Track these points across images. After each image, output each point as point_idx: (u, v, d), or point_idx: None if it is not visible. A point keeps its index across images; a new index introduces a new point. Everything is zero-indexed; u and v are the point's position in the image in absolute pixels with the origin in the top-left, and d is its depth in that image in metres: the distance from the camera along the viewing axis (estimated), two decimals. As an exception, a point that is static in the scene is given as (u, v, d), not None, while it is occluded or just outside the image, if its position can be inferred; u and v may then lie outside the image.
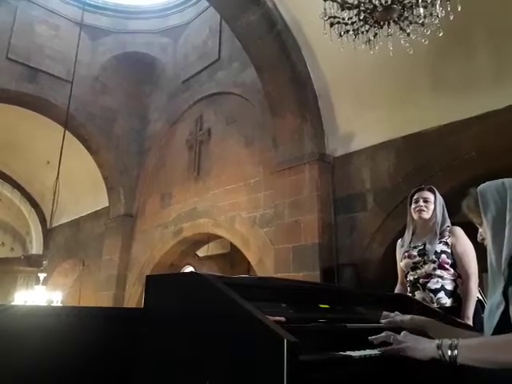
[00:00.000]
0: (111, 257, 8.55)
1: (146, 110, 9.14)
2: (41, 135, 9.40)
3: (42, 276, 7.88)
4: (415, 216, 2.78)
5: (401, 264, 2.84)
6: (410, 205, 2.83)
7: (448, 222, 2.76)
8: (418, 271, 2.68)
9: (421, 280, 2.66)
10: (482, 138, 4.13)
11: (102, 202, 9.31)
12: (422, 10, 3.26)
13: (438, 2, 3.24)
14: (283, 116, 5.70)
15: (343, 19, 3.43)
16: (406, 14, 3.30)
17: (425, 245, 2.70)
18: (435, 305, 2.54)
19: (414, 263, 2.71)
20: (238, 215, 6.37)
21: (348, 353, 1.20)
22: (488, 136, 4.09)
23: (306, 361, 1.04)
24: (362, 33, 3.45)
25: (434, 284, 2.61)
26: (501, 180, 1.27)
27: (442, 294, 2.59)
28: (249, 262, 6.75)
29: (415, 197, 2.81)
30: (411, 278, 2.72)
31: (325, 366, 1.12)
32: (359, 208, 5.01)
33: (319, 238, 4.98)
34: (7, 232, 13.07)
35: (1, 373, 1.30)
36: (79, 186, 9.95)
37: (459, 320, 2.13)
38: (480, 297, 2.86)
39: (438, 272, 2.62)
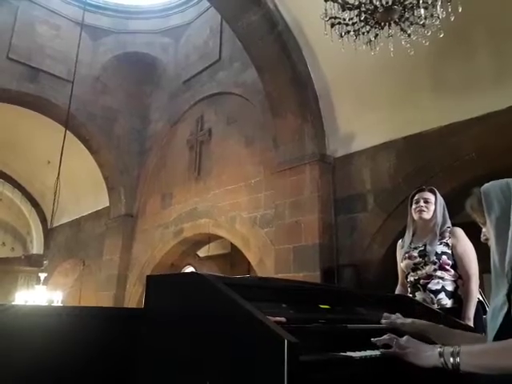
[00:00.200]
0: (112, 257, 8.55)
1: (147, 109, 9.15)
2: (41, 135, 9.41)
3: (42, 276, 7.88)
4: (416, 216, 2.78)
5: (401, 265, 2.84)
6: (411, 205, 2.83)
7: (449, 223, 2.76)
8: (419, 272, 2.68)
9: (421, 281, 2.66)
10: (483, 138, 4.12)
11: (103, 201, 9.31)
12: (422, 10, 3.26)
13: (439, 3, 3.24)
14: (284, 116, 5.70)
15: (344, 20, 3.43)
16: (406, 15, 3.30)
17: (425, 246, 2.69)
18: (436, 306, 2.54)
19: (414, 264, 2.71)
20: (239, 215, 6.37)
21: (348, 353, 1.20)
22: (489, 137, 4.08)
23: (307, 361, 1.04)
24: (363, 33, 3.45)
25: (434, 285, 2.61)
26: (505, 180, 1.25)
27: (442, 295, 2.58)
28: (249, 263, 6.75)
29: (416, 197, 2.81)
30: (412, 278, 2.72)
31: (325, 367, 1.12)
32: (360, 208, 5.00)
33: (320, 238, 4.98)
34: (8, 232, 13.09)
35: (1, 372, 1.30)
36: (80, 186, 9.96)
37: (460, 321, 2.13)
38: (481, 298, 2.86)
39: (439, 273, 2.62)
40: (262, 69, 5.86)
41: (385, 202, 4.80)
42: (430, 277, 2.63)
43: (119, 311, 2.25)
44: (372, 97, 4.97)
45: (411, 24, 3.36)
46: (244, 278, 1.68)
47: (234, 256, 9.89)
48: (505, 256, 1.15)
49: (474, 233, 2.75)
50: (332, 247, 5.06)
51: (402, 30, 3.40)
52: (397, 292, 2.88)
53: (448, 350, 1.13)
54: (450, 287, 2.61)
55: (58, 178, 6.33)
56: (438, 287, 2.60)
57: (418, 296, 2.65)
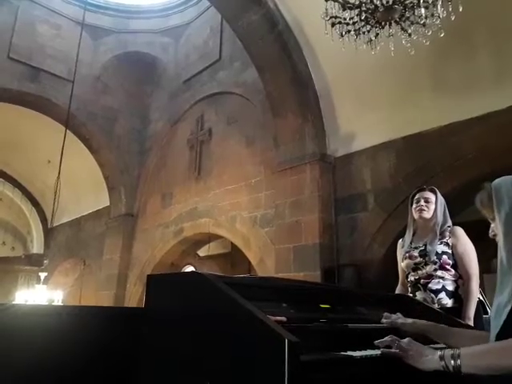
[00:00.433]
0: (112, 256, 8.55)
1: (147, 109, 9.15)
2: (42, 134, 9.41)
3: (42, 275, 7.89)
4: (416, 215, 2.78)
5: (402, 264, 2.84)
6: (411, 205, 2.83)
7: (449, 222, 2.76)
8: (419, 272, 2.68)
9: (422, 280, 2.66)
10: (483, 138, 4.12)
11: (103, 201, 9.32)
12: (423, 10, 3.26)
13: (440, 3, 3.24)
14: (284, 116, 5.70)
15: (344, 19, 3.43)
16: (407, 15, 3.30)
17: (426, 245, 2.69)
18: (436, 305, 2.53)
19: (415, 264, 2.70)
20: (239, 215, 6.37)
21: (349, 353, 1.21)
22: (489, 136, 4.08)
23: (307, 361, 1.04)
24: (364, 33, 3.45)
25: (435, 284, 2.61)
26: None
27: (443, 295, 2.58)
28: (249, 262, 6.75)
29: (416, 197, 2.81)
30: (412, 278, 2.72)
31: (326, 366, 1.12)
32: (360, 208, 5.00)
33: (320, 238, 4.98)
34: (8, 231, 13.10)
35: (2, 372, 1.30)
36: (80, 186, 9.96)
37: (460, 321, 2.13)
38: (481, 297, 2.86)
39: (439, 273, 2.61)
40: (262, 68, 5.86)
41: (385, 202, 4.80)
42: (430, 276, 2.63)
43: (120, 310, 2.25)
44: (372, 96, 4.97)
45: (412, 23, 3.36)
46: (244, 277, 1.68)
47: (234, 255, 9.89)
48: None
49: (473, 233, 2.76)
50: (332, 247, 5.06)
51: (402, 29, 3.39)
52: (397, 292, 2.88)
53: (448, 352, 1.13)
54: (450, 287, 2.60)
55: (58, 177, 6.33)
56: (439, 287, 2.60)
57: (419, 296, 2.65)
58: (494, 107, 4.05)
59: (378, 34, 3.45)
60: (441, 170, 4.41)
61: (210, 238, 7.59)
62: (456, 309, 2.53)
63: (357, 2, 3.32)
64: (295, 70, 5.49)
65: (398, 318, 1.55)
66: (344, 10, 3.38)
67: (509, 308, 1.10)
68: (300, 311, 1.46)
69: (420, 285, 2.67)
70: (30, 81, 8.20)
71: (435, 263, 2.62)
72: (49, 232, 11.70)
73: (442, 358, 1.13)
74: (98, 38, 8.76)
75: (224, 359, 1.15)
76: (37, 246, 12.17)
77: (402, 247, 2.86)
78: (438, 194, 2.79)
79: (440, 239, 2.68)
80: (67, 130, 6.78)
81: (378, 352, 1.25)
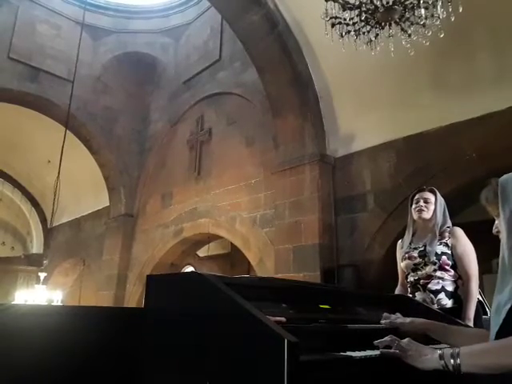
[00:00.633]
0: (112, 256, 8.55)
1: (147, 110, 9.15)
2: (42, 135, 9.41)
3: (42, 275, 7.88)
4: (415, 216, 2.78)
5: (401, 265, 2.84)
6: (411, 205, 2.84)
7: (449, 223, 2.76)
8: (419, 272, 2.68)
9: (421, 281, 2.66)
10: (483, 139, 4.12)
11: (103, 201, 9.32)
12: (423, 11, 3.26)
13: (440, 3, 3.24)
14: (284, 116, 5.70)
15: (344, 20, 3.43)
16: (407, 15, 3.30)
17: (425, 246, 2.69)
18: (436, 306, 2.54)
19: (414, 264, 2.70)
20: (239, 215, 6.37)
21: (348, 353, 1.21)
22: (489, 137, 4.08)
23: (307, 361, 1.04)
24: (364, 33, 3.45)
25: (434, 285, 2.61)
26: None
27: (442, 295, 2.58)
28: (249, 263, 6.75)
29: (416, 197, 2.81)
30: (412, 279, 2.72)
31: (325, 367, 1.12)
32: (360, 209, 5.00)
33: (320, 238, 4.97)
34: (8, 231, 13.09)
35: (1, 372, 1.30)
36: (80, 186, 9.96)
37: (460, 321, 2.13)
38: (480, 298, 2.86)
39: (439, 273, 2.61)
40: (262, 69, 5.86)
41: (385, 202, 4.80)
42: (429, 277, 2.63)
43: (119, 311, 2.25)
44: (372, 97, 4.97)
45: (412, 24, 3.36)
46: (244, 277, 1.68)
47: (233, 256, 9.89)
48: None
49: (473, 233, 2.76)
50: (332, 247, 5.06)
51: (402, 30, 3.39)
52: (397, 292, 2.88)
53: (448, 351, 1.13)
54: (449, 287, 2.61)
55: (58, 177, 6.34)
56: (438, 287, 2.60)
57: (418, 296, 2.65)
58: (494, 108, 4.06)
59: (377, 35, 3.45)
60: (441, 171, 4.41)
61: (210, 238, 7.59)
62: (455, 309, 2.53)
63: (357, 3, 3.32)
64: (295, 71, 5.49)
65: (397, 318, 1.56)
66: (344, 10, 3.38)
67: (508, 306, 1.10)
68: (299, 312, 1.46)
69: (419, 285, 2.67)
70: (30, 81, 8.20)
71: (435, 264, 2.62)
72: (48, 232, 11.70)
73: (441, 357, 1.13)
74: (98, 39, 8.76)
75: (224, 359, 1.15)
76: (36, 246, 12.17)
77: (402, 248, 2.86)
78: (438, 195, 2.79)
79: (439, 240, 2.68)
80: (67, 130, 6.78)
81: (377, 352, 1.25)
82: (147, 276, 1.50)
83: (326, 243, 5.02)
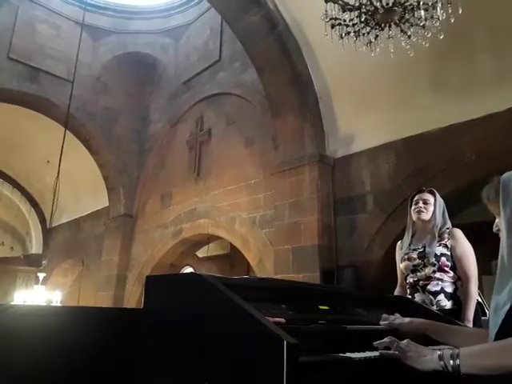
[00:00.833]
0: (111, 257, 8.55)
1: (147, 110, 9.15)
2: (41, 135, 9.40)
3: (41, 276, 7.87)
4: (414, 217, 2.78)
5: (400, 266, 2.84)
6: (410, 206, 2.84)
7: (448, 224, 2.76)
8: (418, 274, 2.68)
9: (421, 282, 2.66)
10: (483, 140, 4.12)
11: (102, 201, 9.31)
12: (422, 12, 3.26)
13: (439, 5, 3.24)
14: (284, 117, 5.70)
15: (344, 21, 3.44)
16: (407, 17, 3.30)
17: (424, 247, 2.69)
18: (435, 307, 2.54)
19: (413, 266, 2.70)
20: (238, 216, 6.37)
21: (348, 354, 1.20)
22: (489, 138, 4.09)
23: (306, 362, 1.04)
24: (363, 34, 3.45)
25: (433, 286, 2.61)
26: None
27: (441, 297, 2.58)
28: (248, 263, 6.75)
29: (415, 198, 2.82)
30: (411, 280, 2.72)
31: (324, 368, 1.12)
32: (359, 209, 5.01)
33: (319, 239, 4.97)
34: (7, 231, 13.07)
35: (0, 372, 1.30)
36: (79, 186, 9.95)
37: (459, 322, 2.13)
38: (479, 299, 2.86)
39: (438, 275, 2.61)
40: (262, 69, 5.86)
41: (384, 203, 4.80)
42: (429, 278, 2.63)
43: (118, 311, 2.25)
44: (372, 98, 4.98)
45: (411, 25, 3.36)
46: (243, 278, 1.68)
47: (233, 256, 9.88)
48: None
49: (472, 234, 2.77)
50: (331, 248, 5.05)
51: (402, 31, 3.40)
52: (396, 293, 2.88)
53: (447, 352, 1.13)
54: (449, 289, 2.61)
55: (57, 177, 6.33)
56: (438, 289, 2.60)
57: (418, 297, 2.65)
58: (493, 109, 4.06)
59: (377, 36, 3.45)
60: (440, 172, 4.41)
61: (209, 238, 7.59)
62: (455, 311, 2.53)
63: (357, 4, 3.32)
64: (295, 71, 5.50)
65: (396, 319, 1.56)
66: (344, 11, 3.38)
67: (507, 308, 1.10)
68: (299, 312, 1.46)
69: (419, 287, 2.67)
70: (30, 81, 8.19)
71: (434, 265, 2.62)
72: (48, 232, 11.69)
73: (441, 357, 1.13)
74: (97, 39, 8.76)
75: (223, 360, 1.15)
76: (36, 247, 12.16)
77: (401, 249, 2.86)
78: (437, 196, 2.80)
79: (439, 241, 2.68)
80: (66, 131, 6.77)
81: (376, 353, 1.25)
82: (146, 277, 1.50)
83: (326, 244, 5.02)
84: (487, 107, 4.09)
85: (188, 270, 9.88)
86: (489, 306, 1.41)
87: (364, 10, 3.30)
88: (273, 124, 5.89)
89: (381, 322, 1.57)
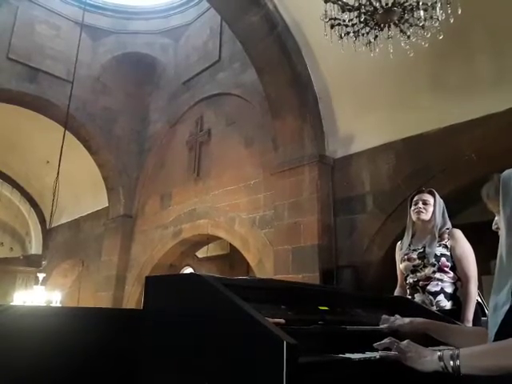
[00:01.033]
0: (110, 257, 8.54)
1: (147, 110, 9.15)
2: (41, 135, 9.40)
3: (41, 276, 7.86)
4: (414, 217, 2.78)
5: (400, 266, 2.84)
6: (410, 207, 2.84)
7: (448, 224, 2.76)
8: (418, 274, 2.68)
9: (420, 283, 2.66)
10: (483, 140, 4.13)
11: (102, 202, 9.31)
12: (422, 12, 3.27)
13: (439, 5, 3.25)
14: (283, 117, 5.70)
15: (344, 21, 3.44)
16: (406, 17, 3.31)
17: (424, 248, 2.69)
18: (435, 308, 2.54)
19: (413, 266, 2.71)
20: (238, 216, 6.37)
21: (347, 355, 1.20)
22: (488, 138, 4.09)
23: (306, 363, 1.04)
24: (363, 35, 3.45)
25: (433, 287, 2.61)
26: None
27: (441, 297, 2.58)
28: (248, 264, 6.74)
29: (415, 199, 2.82)
30: (411, 280, 2.72)
31: (324, 368, 1.12)
32: (359, 210, 5.00)
33: (319, 239, 4.97)
34: (6, 232, 13.06)
35: (0, 373, 1.30)
36: (79, 186, 9.95)
37: (459, 323, 2.13)
38: (479, 299, 2.86)
39: (438, 275, 2.62)
40: (261, 70, 5.86)
41: (384, 204, 4.80)
42: (429, 279, 2.63)
43: (118, 312, 2.25)
44: (372, 98, 4.98)
45: (411, 26, 3.36)
46: (243, 279, 1.68)
47: (232, 257, 9.88)
48: None
49: (472, 235, 2.77)
50: (331, 248, 5.05)
51: (401, 31, 3.40)
52: (396, 294, 2.88)
53: (447, 353, 1.12)
54: (449, 289, 2.61)
55: (57, 178, 6.33)
56: (437, 289, 2.60)
57: (417, 298, 2.65)
58: (493, 109, 4.06)
59: (377, 36, 3.45)
60: (440, 172, 4.41)
61: (209, 239, 7.59)
62: (455, 311, 2.53)
63: (356, 4, 3.32)
64: (294, 72, 5.50)
65: (396, 320, 1.55)
66: (343, 11, 3.38)
67: (507, 308, 1.09)
68: (298, 313, 1.46)
69: (419, 287, 2.67)
70: (29, 81, 8.19)
71: (434, 265, 2.62)
72: (47, 233, 11.68)
73: (441, 358, 1.12)
74: (97, 39, 8.76)
75: (223, 360, 1.15)
76: (35, 247, 12.15)
77: (401, 249, 2.86)
78: (437, 196, 2.80)
79: (439, 241, 2.68)
80: (66, 131, 6.77)
81: (376, 354, 1.25)
82: (146, 277, 1.50)
83: (325, 244, 5.02)
84: (487, 107, 4.09)
85: (188, 270, 9.89)
86: (488, 306, 1.41)
87: (363, 11, 3.30)
88: (272, 124, 5.89)
89: (380, 325, 1.56)
